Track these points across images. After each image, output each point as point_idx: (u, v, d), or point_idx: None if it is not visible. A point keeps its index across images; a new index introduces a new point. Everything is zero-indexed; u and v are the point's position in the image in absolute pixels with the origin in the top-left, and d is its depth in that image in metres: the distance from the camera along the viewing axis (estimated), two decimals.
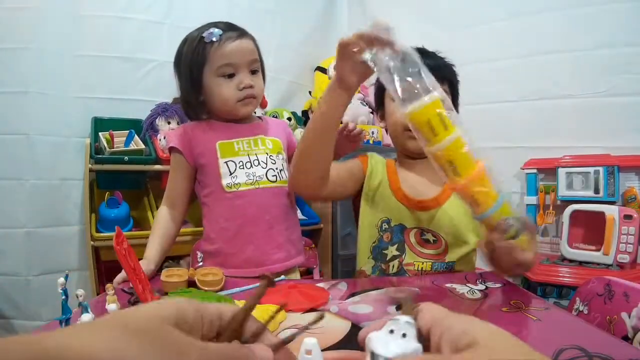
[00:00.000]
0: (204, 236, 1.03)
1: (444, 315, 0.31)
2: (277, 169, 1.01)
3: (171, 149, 1.02)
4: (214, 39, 0.94)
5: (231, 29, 0.97)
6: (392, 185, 1.01)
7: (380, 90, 1.05)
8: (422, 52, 0.99)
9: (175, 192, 1.02)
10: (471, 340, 0.27)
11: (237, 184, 0.97)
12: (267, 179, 0.99)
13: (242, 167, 0.97)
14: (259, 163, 0.99)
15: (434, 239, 0.97)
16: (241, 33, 0.98)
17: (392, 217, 0.99)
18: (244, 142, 1.00)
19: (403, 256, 0.96)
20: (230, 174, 0.97)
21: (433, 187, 0.98)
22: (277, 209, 1.00)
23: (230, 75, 0.95)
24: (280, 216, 1.00)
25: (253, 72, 0.98)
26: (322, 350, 0.51)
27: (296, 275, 1.06)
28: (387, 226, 0.99)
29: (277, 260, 0.99)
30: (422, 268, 0.94)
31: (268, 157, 1.00)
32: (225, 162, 0.97)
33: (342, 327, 0.59)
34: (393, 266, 0.96)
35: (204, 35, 0.94)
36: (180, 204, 1.02)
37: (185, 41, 1.00)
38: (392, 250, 0.98)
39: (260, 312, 0.60)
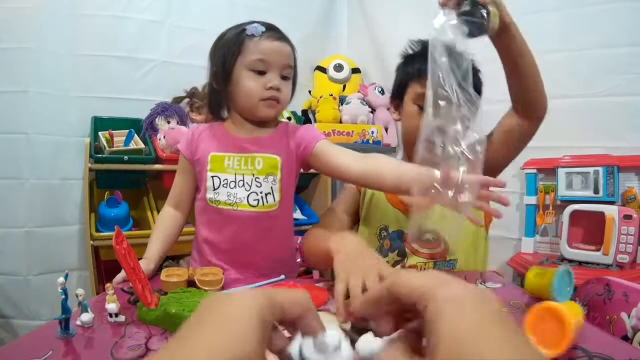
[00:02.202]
0: (197, 234, 1.03)
1: (433, 283, 0.29)
2: (261, 192, 0.95)
3: (179, 150, 1.03)
4: (255, 33, 0.93)
5: (275, 30, 0.97)
6: (387, 193, 1.01)
7: (402, 82, 1.02)
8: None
9: (179, 193, 1.02)
10: (433, 329, 0.25)
11: (217, 201, 0.95)
12: (248, 202, 0.94)
13: (225, 185, 0.95)
14: (243, 184, 0.95)
15: (433, 237, 0.97)
16: (283, 36, 0.98)
17: (389, 224, 0.99)
18: (235, 158, 0.96)
19: (405, 260, 0.96)
20: (214, 189, 0.95)
21: None
22: (255, 233, 0.96)
23: (261, 73, 0.93)
24: (256, 240, 0.96)
25: (284, 78, 0.96)
26: None
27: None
28: (385, 233, 0.99)
29: (247, 278, 0.93)
30: (424, 269, 0.94)
31: (254, 179, 0.95)
32: (212, 177, 0.96)
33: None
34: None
35: (246, 27, 0.94)
36: (184, 206, 1.03)
37: (227, 30, 0.99)
38: (393, 257, 0.98)
39: None
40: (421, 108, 0.95)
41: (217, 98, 1.00)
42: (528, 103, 0.88)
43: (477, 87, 0.97)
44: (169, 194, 1.04)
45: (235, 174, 0.95)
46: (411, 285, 0.29)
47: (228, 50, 0.94)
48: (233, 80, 0.94)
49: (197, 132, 1.02)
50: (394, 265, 0.97)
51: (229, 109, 1.01)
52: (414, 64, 0.99)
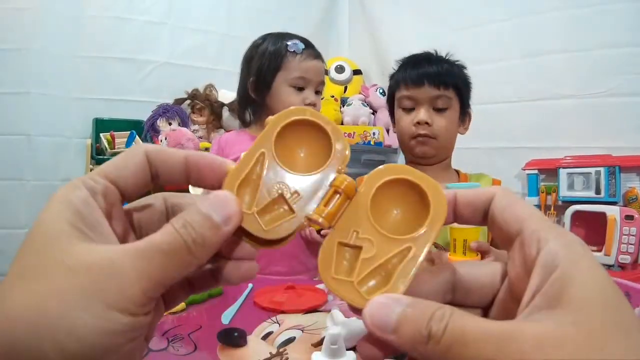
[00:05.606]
0: None
1: (528, 214, 0.21)
2: None
3: None
4: (297, 51, 0.99)
5: (311, 47, 1.03)
6: None
7: (391, 98, 1.08)
8: (426, 57, 1.00)
9: None
10: (561, 292, 0.17)
11: None
12: None
13: None
14: None
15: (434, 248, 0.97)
16: (318, 54, 1.04)
17: None
18: None
19: None
20: None
21: None
22: None
23: (300, 89, 1.01)
24: None
25: (317, 93, 1.04)
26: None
27: None
28: None
29: (278, 273, 1.00)
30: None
31: None
32: None
33: None
34: None
35: (288, 43, 1.00)
36: None
37: (263, 40, 1.04)
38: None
39: None
40: (404, 110, 1.00)
41: (252, 106, 1.07)
42: None
43: (458, 86, 0.98)
44: None
45: None
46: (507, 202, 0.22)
47: (268, 63, 1.00)
48: (272, 93, 1.01)
49: (224, 140, 1.09)
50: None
51: (257, 116, 1.08)
52: (395, 77, 1.04)
